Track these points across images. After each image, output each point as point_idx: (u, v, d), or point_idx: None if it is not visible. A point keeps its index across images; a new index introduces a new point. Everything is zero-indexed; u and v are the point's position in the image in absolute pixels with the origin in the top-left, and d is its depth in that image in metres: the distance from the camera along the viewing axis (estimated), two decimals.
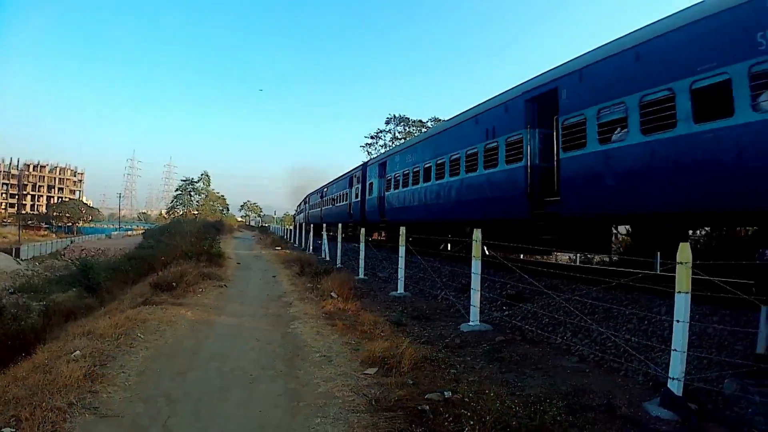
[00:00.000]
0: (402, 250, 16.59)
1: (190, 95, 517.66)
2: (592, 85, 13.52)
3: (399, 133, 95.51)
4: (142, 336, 10.82)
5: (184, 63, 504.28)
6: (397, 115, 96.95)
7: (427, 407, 6.39)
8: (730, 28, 9.78)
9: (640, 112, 11.65)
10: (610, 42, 13.45)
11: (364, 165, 38.36)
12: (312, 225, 46.30)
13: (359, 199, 38.12)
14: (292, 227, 72.17)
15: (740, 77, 9.37)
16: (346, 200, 42.87)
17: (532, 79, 16.79)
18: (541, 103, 15.87)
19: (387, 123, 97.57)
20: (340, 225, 29.56)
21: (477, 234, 11.91)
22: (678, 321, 6.50)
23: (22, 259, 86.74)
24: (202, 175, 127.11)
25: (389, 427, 6.12)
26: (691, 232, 12.99)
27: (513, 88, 17.90)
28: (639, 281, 9.39)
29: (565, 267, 16.11)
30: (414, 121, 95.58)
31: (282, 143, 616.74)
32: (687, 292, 6.48)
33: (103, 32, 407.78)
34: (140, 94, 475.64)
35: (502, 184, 17.38)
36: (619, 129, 12.40)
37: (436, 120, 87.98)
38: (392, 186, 29.65)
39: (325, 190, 56.25)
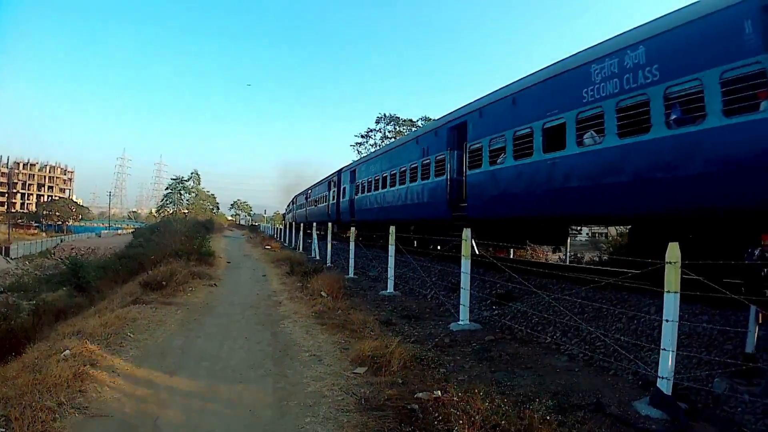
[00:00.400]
0: (392, 249, 16.63)
1: (181, 94, 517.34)
2: (487, 121, 18.27)
3: (389, 132, 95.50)
4: (132, 335, 10.85)
5: (174, 61, 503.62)
6: (387, 115, 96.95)
7: (417, 406, 6.38)
8: (566, 86, 14.03)
9: (514, 142, 16.05)
10: (501, 88, 17.99)
11: (339, 171, 43.04)
12: (300, 224, 48.64)
13: (335, 201, 43.10)
14: (281, 226, 72.40)
15: (571, 121, 13.46)
16: (326, 202, 47.73)
17: (453, 111, 21.80)
18: (458, 131, 20.49)
19: (377, 122, 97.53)
20: (330, 224, 31.21)
21: (466, 233, 11.94)
22: (667, 320, 6.51)
23: (11, 258, 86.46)
24: (192, 173, 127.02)
25: (379, 426, 6.11)
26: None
27: (441, 118, 23.96)
28: (628, 280, 9.43)
29: (554, 266, 16.16)
30: (404, 121, 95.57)
31: (273, 142, 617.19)
32: (676, 292, 6.49)
33: (93, 30, 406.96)
34: (130, 92, 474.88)
35: (433, 192, 22.09)
36: (502, 154, 16.84)
37: (426, 119, 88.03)
38: (360, 191, 34.79)
39: (309, 192, 61.66)
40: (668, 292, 6.56)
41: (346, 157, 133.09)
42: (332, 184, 45.47)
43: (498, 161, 16.97)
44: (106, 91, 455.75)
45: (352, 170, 38.35)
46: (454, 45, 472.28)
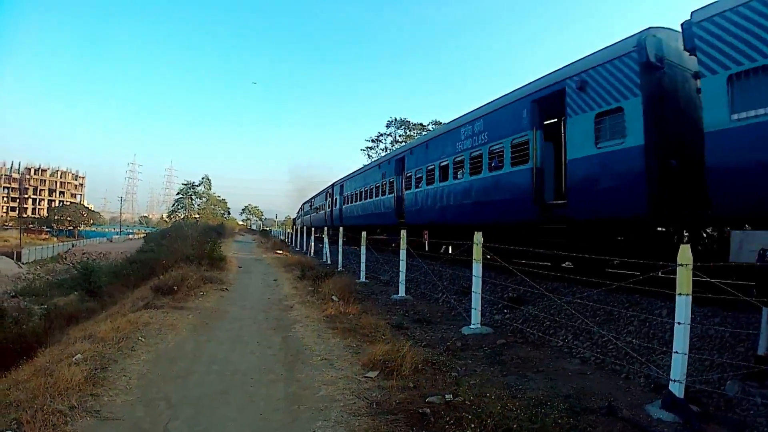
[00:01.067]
0: (403, 254, 16.54)
1: (192, 100, 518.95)
2: (413, 158, 27.24)
3: (400, 136, 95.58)
4: (143, 339, 10.86)
5: (185, 67, 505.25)
6: (398, 118, 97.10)
7: (428, 410, 6.37)
8: (448, 139, 22.56)
9: (426, 174, 24.74)
10: (422, 136, 26.28)
11: (332, 185, 51.53)
12: (306, 228, 51.96)
13: (329, 209, 51.82)
14: (291, 231, 72.97)
15: (450, 163, 21.66)
16: (324, 210, 55.70)
17: (398, 148, 30.33)
18: (401, 163, 29.32)
19: (388, 126, 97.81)
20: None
21: (477, 237, 11.89)
22: (679, 323, 6.48)
23: (23, 263, 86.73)
24: (203, 178, 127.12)
25: (390, 430, 6.12)
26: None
27: (392, 152, 34.67)
28: (639, 283, 9.40)
29: (565, 270, 16.12)
30: (415, 125, 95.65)
31: (285, 147, 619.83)
32: (688, 294, 6.46)
33: (105, 36, 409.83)
34: (141, 98, 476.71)
35: (387, 204, 31.31)
36: (421, 181, 25.20)
37: (436, 123, 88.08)
38: (345, 201, 44.20)
39: (313, 200, 70.15)
40: (680, 294, 6.52)
41: (357, 161, 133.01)
42: (328, 194, 54.03)
43: (419, 186, 25.66)
44: (116, 98, 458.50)
45: (340, 184, 47.25)
46: (467, 45, 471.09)
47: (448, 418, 5.98)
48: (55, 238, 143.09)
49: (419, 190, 25.51)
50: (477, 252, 11.80)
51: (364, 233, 21.90)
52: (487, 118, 19.26)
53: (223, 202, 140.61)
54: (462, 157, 20.75)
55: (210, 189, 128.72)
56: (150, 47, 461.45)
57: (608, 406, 6.62)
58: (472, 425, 5.58)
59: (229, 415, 7.02)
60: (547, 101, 15.79)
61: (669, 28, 12.39)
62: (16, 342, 13.72)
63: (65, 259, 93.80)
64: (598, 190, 12.97)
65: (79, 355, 9.16)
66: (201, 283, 19.11)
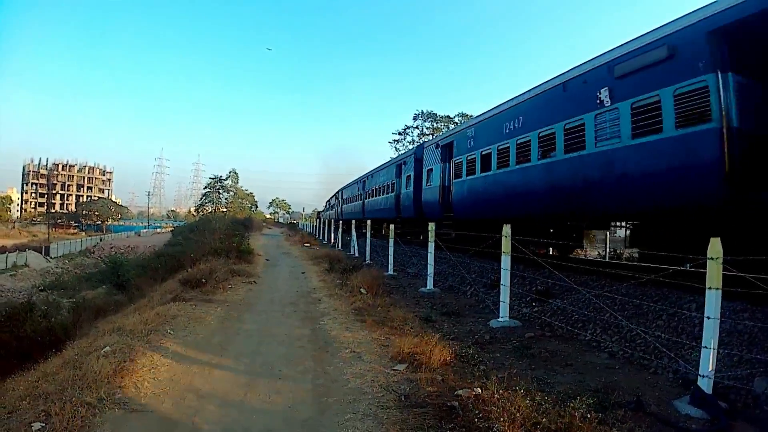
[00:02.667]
0: (431, 246, 16.60)
1: (219, 93, 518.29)
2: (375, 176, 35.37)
3: (426, 129, 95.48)
4: (171, 332, 10.98)
5: (213, 61, 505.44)
6: (424, 111, 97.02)
7: (457, 403, 6.40)
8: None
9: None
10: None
11: (363, 177, 51.12)
12: (335, 222, 51.40)
13: (338, 209, 61.58)
14: (316, 224, 73.26)
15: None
16: (354, 202, 55.99)
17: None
18: (400, 167, 34.38)
19: (414, 119, 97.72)
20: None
21: (506, 229, 11.85)
22: (708, 318, 6.45)
23: (51, 257, 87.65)
24: (230, 172, 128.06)
25: (419, 423, 6.13)
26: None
27: (394, 158, 40.52)
28: (668, 277, 9.32)
29: (594, 263, 16.02)
30: (441, 117, 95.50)
31: (313, 141, 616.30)
32: (718, 289, 6.43)
33: (132, 31, 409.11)
34: (169, 93, 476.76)
35: (389, 201, 36.26)
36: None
37: (463, 116, 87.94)
38: (344, 202, 56.43)
39: (341, 192, 68.70)
40: (710, 288, 6.49)
41: (385, 154, 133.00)
42: (336, 197, 62.92)
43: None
44: (144, 93, 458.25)
45: (362, 181, 49.44)
46: (493, 39, 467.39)
47: (476, 411, 6.00)
48: (83, 233, 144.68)
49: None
50: (506, 244, 11.79)
51: (392, 226, 21.95)
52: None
53: (251, 195, 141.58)
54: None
55: (237, 182, 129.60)
56: (178, 41, 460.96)
57: (636, 401, 6.60)
58: (501, 419, 5.59)
59: (257, 406, 7.09)
60: None
61: None
62: (44, 335, 13.82)
63: (93, 253, 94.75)
64: None
65: (107, 347, 9.26)
66: (229, 276, 19.21)
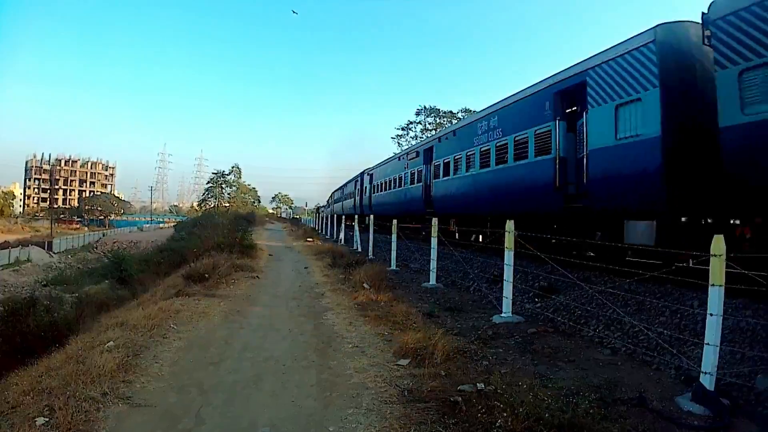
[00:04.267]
0: (434, 242, 16.62)
1: (222, 88, 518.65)
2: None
3: (429, 124, 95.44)
4: (175, 327, 10.99)
5: (215, 55, 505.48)
6: (427, 107, 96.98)
7: (460, 399, 6.39)
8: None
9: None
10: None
11: (360, 174, 54.64)
12: (336, 216, 53.98)
13: (338, 203, 68.01)
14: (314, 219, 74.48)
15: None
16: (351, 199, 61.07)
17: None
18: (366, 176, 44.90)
19: (417, 114, 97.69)
20: (371, 217, 34.19)
21: (509, 225, 11.86)
22: (711, 314, 6.45)
23: (54, 253, 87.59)
24: (233, 167, 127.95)
25: (422, 418, 6.14)
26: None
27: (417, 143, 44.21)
28: (671, 273, 9.36)
29: (597, 259, 16.10)
30: (444, 112, 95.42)
31: (316, 136, 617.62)
32: (721, 285, 6.42)
33: (134, 24, 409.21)
34: (171, 87, 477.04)
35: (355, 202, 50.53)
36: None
37: (466, 111, 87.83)
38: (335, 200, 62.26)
39: (335, 193, 78.78)
40: (713, 285, 6.47)
41: (388, 148, 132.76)
42: (335, 195, 69.18)
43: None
44: (146, 87, 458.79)
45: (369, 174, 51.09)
46: (497, 33, 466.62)
47: (479, 407, 6.00)
48: (86, 228, 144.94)
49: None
50: (509, 240, 11.80)
51: (395, 221, 22.04)
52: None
53: (254, 190, 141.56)
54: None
55: (240, 177, 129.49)
56: (181, 36, 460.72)
57: (639, 397, 6.62)
58: (504, 414, 5.60)
59: (261, 401, 7.10)
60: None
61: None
62: (47, 330, 13.83)
63: (96, 248, 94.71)
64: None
65: (111, 342, 9.28)
66: (232, 270, 19.20)
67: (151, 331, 10.39)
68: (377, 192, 43.82)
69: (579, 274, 12.58)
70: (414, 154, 32.51)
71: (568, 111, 17.07)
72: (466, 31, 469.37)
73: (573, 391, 6.59)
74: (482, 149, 22.08)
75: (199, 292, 14.99)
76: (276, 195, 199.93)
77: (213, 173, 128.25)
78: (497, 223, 16.19)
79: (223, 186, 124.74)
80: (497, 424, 5.50)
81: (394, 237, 21.44)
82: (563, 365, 8.32)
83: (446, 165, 26.69)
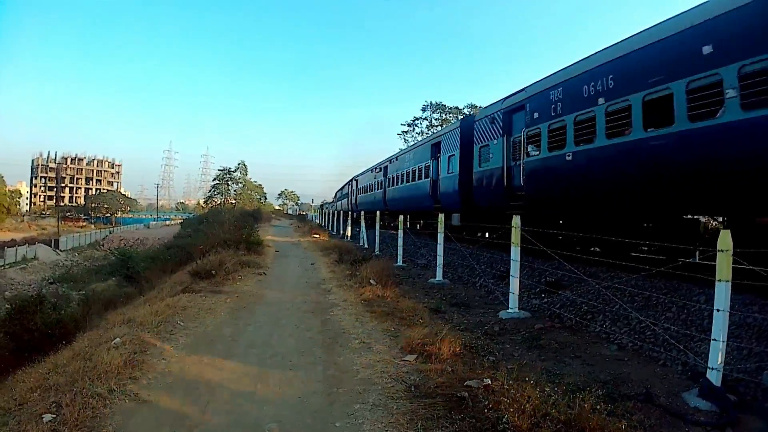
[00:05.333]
0: (440, 237, 16.64)
1: (228, 85, 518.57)
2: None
3: (435, 120, 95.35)
4: (181, 323, 11.02)
5: (221, 52, 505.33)
6: (433, 102, 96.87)
7: (467, 394, 6.40)
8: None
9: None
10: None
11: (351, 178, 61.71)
12: (343, 213, 53.51)
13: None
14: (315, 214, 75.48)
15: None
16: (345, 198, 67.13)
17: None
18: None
19: (423, 110, 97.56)
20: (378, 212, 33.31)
21: (516, 220, 11.84)
22: (718, 310, 6.43)
23: (61, 250, 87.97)
24: (239, 164, 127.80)
25: (429, 413, 6.15)
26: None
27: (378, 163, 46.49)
28: (678, 269, 9.34)
29: (603, 254, 16.09)
30: (450, 108, 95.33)
31: (321, 132, 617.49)
32: (727, 281, 6.41)
33: (138, 21, 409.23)
34: (177, 85, 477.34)
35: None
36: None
37: (472, 107, 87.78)
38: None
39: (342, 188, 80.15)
40: (719, 280, 6.46)
41: (394, 144, 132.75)
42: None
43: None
44: (152, 85, 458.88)
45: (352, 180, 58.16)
46: (503, 30, 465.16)
47: (486, 402, 6.00)
48: (93, 226, 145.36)
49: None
50: (515, 236, 11.79)
51: (401, 217, 22.06)
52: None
53: (260, 187, 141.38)
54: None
55: (246, 174, 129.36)
56: (185, 33, 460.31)
57: (646, 392, 6.62)
58: (511, 410, 5.60)
59: (267, 398, 7.13)
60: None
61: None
62: (54, 327, 13.86)
63: (102, 245, 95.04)
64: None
65: (117, 339, 9.31)
66: (239, 267, 19.20)
67: (158, 327, 10.44)
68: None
69: (585, 270, 12.55)
70: (423, 149, 32.58)
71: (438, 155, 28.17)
72: (470, 27, 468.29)
73: (580, 387, 6.57)
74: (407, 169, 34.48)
75: (205, 288, 15.01)
76: (282, 191, 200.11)
77: (219, 170, 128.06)
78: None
79: (230, 183, 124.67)
80: (504, 420, 5.49)
81: (400, 233, 21.45)
82: (570, 361, 8.34)
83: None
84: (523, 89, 19.35)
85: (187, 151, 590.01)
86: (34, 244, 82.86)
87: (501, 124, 20.49)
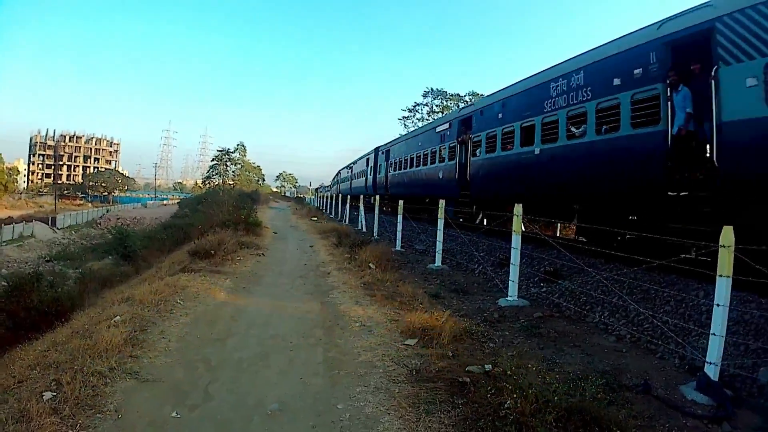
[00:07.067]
0: (440, 223, 16.62)
1: (227, 66, 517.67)
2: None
3: (436, 106, 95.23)
4: (181, 302, 11.08)
5: (220, 31, 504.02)
6: (434, 89, 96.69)
7: (468, 379, 6.47)
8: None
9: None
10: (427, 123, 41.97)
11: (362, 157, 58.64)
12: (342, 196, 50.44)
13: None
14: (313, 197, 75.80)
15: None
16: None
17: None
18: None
19: (424, 96, 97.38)
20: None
21: (518, 209, 11.84)
22: (718, 305, 6.48)
23: (58, 228, 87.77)
24: (238, 145, 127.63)
25: (431, 397, 6.22)
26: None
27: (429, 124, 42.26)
28: (679, 262, 9.38)
29: (603, 245, 16.17)
30: (451, 95, 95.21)
31: (321, 115, 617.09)
32: (728, 276, 6.45)
33: (141, 5, 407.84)
34: (177, 65, 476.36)
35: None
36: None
37: (474, 94, 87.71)
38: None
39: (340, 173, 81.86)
40: (720, 276, 6.50)
41: (394, 130, 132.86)
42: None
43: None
44: (152, 65, 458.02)
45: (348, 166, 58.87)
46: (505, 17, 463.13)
47: (488, 388, 6.06)
48: (90, 204, 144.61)
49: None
50: (517, 223, 11.81)
51: (401, 202, 21.82)
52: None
53: (258, 168, 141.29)
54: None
55: (245, 155, 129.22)
56: (185, 13, 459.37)
57: (644, 384, 6.67)
58: (514, 395, 5.66)
59: (269, 378, 7.21)
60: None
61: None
62: (51, 305, 13.88)
63: (99, 224, 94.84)
64: None
65: (118, 317, 9.37)
66: (237, 248, 19.31)
67: (158, 306, 10.50)
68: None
69: (585, 260, 12.58)
70: (447, 125, 28.46)
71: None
72: (474, 18, 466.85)
73: (580, 376, 6.66)
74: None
75: (204, 268, 15.06)
76: (280, 174, 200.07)
77: (218, 151, 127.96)
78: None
79: (228, 164, 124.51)
80: (506, 405, 5.55)
81: (399, 218, 21.34)
82: (569, 350, 8.37)
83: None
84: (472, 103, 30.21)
85: (186, 131, 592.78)
86: (31, 221, 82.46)
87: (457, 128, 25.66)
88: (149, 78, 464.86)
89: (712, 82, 10.74)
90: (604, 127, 14.00)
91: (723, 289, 6.45)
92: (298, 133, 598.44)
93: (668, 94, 12.00)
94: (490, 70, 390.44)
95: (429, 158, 30.17)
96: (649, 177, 12.46)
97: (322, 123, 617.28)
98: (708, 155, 11.18)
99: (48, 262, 46.52)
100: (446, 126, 28.14)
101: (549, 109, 16.83)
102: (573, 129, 15.49)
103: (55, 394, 6.21)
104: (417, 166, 32.72)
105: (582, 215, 16.00)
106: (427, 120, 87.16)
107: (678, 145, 11.84)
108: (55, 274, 24.26)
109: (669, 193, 11.98)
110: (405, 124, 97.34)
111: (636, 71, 13.05)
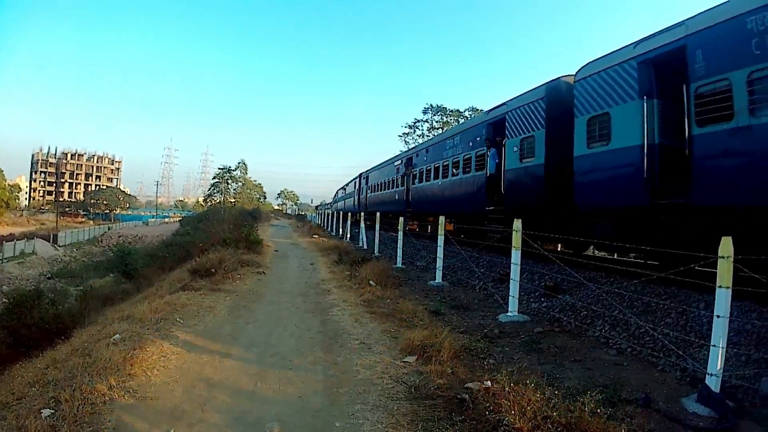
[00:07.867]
0: (440, 240, 16.58)
1: (229, 83, 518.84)
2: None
3: (436, 122, 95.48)
4: (181, 321, 11.08)
5: (223, 50, 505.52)
6: (434, 105, 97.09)
7: (467, 396, 6.42)
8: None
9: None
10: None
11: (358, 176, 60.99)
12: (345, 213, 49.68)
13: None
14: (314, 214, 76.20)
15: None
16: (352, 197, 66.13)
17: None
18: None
19: (424, 112, 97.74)
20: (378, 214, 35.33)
21: (517, 224, 11.87)
22: (718, 316, 6.45)
23: (59, 246, 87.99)
24: (239, 163, 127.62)
25: (429, 415, 6.18)
26: None
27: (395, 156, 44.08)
28: (678, 275, 9.38)
29: (603, 259, 16.14)
30: (451, 111, 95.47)
31: (321, 133, 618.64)
32: (728, 287, 6.42)
33: (141, 16, 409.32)
34: (178, 83, 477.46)
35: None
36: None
37: (474, 110, 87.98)
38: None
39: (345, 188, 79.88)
40: (720, 287, 6.47)
41: (396, 146, 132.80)
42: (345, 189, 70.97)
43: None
44: (153, 83, 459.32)
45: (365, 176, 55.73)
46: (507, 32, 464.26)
47: (487, 404, 6.01)
48: (92, 222, 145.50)
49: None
50: (516, 239, 11.80)
51: (401, 219, 21.98)
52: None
53: (259, 186, 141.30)
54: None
55: (246, 173, 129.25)
56: (187, 32, 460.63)
57: (645, 397, 6.65)
58: (512, 412, 5.62)
59: (268, 396, 7.17)
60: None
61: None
62: (52, 322, 13.89)
63: (101, 241, 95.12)
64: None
65: (117, 335, 9.36)
66: (238, 266, 19.28)
67: (158, 324, 10.48)
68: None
69: (585, 274, 12.56)
70: (399, 161, 38.67)
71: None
72: (475, 31, 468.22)
73: (579, 391, 6.58)
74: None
75: (205, 286, 15.08)
76: (282, 191, 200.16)
77: (219, 168, 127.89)
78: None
79: (229, 181, 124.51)
80: (505, 422, 5.51)
81: (400, 234, 21.42)
82: (569, 365, 8.35)
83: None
84: (414, 147, 39.18)
85: (187, 148, 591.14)
86: (33, 238, 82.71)
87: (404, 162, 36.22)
88: (151, 96, 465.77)
89: (503, 148, 20.53)
90: (464, 169, 24.49)
91: (723, 301, 6.43)
92: (300, 150, 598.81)
93: (488, 152, 21.90)
94: (498, 80, 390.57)
95: (390, 184, 41.02)
96: (480, 199, 22.33)
97: (324, 141, 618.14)
98: (501, 189, 20.44)
99: (49, 279, 46.74)
100: (399, 162, 38.82)
101: (443, 157, 27.79)
102: (453, 170, 26.16)
103: (53, 411, 6.21)
104: (383, 190, 43.78)
105: (457, 220, 25.63)
106: (427, 136, 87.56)
107: (490, 182, 21.55)
108: (56, 291, 24.50)
109: (487, 208, 21.88)
110: (405, 141, 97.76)
111: (477, 138, 23.30)
